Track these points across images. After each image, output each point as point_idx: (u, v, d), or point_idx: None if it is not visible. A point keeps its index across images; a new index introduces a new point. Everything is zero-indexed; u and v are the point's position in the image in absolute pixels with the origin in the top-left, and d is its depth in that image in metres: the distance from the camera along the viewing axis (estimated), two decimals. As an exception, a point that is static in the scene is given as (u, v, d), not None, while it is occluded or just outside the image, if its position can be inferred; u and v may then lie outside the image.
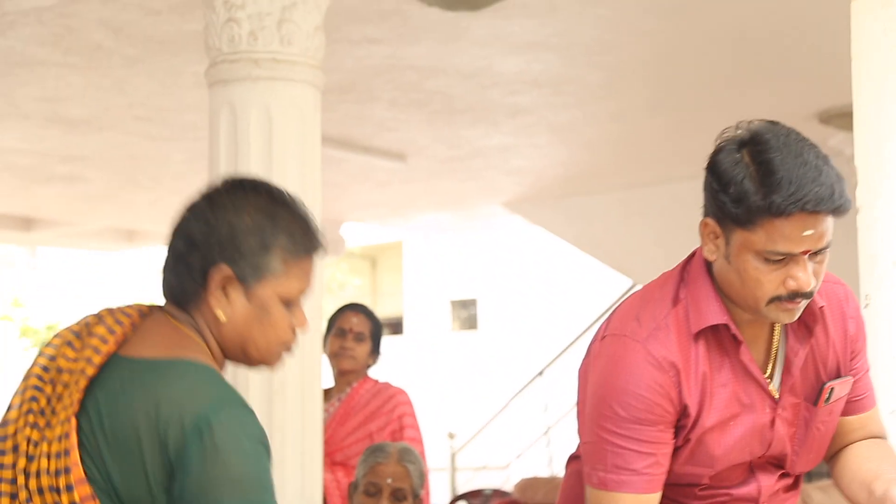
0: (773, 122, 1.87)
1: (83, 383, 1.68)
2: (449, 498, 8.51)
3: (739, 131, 1.86)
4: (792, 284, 1.82)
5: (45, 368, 1.72)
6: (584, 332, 11.08)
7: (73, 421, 1.66)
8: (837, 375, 2.00)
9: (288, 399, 3.72)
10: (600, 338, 1.99)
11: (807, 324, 1.96)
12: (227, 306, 1.75)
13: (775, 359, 1.98)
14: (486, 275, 13.92)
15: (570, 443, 2.02)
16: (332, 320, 4.24)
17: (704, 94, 6.32)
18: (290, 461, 3.70)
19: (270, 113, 3.77)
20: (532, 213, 9.46)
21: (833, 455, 2.09)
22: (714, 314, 1.91)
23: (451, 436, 11.07)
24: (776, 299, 1.84)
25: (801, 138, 1.84)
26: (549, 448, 11.49)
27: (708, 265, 1.94)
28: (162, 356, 1.71)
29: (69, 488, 1.63)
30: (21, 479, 1.66)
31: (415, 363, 14.74)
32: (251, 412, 1.68)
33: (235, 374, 3.71)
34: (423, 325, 14.93)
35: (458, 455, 11.35)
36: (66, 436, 1.65)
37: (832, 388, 1.98)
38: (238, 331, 1.76)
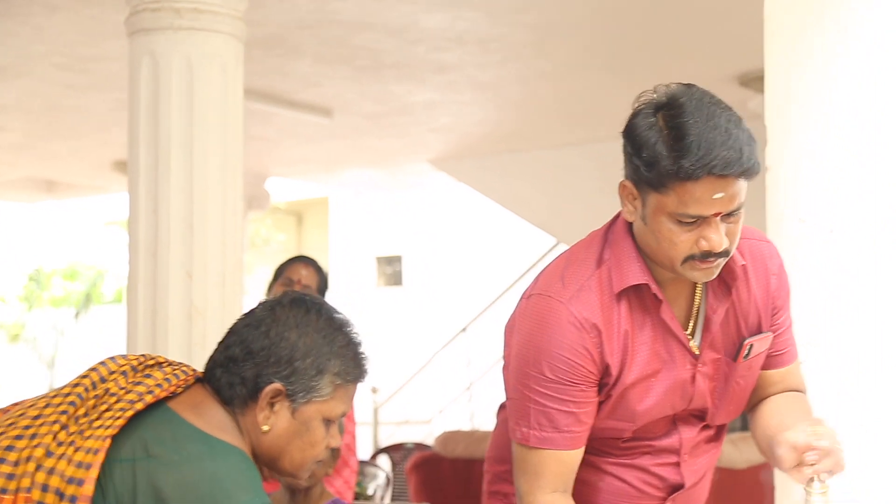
0: (688, 86, 1.88)
1: (130, 413, 1.71)
2: (371, 452, 8.57)
3: (656, 94, 1.88)
4: (704, 245, 1.85)
5: (94, 385, 1.76)
6: (508, 289, 11.17)
7: (108, 442, 1.68)
8: (759, 331, 2.03)
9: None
10: (527, 296, 2.02)
11: (726, 282, 1.99)
12: (272, 418, 1.80)
13: (696, 316, 2.01)
14: (411, 232, 13.94)
15: (493, 398, 2.07)
16: (280, 270, 4.17)
17: (628, 55, 6.38)
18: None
19: (192, 64, 3.75)
20: (458, 170, 9.49)
21: (751, 408, 2.13)
22: (635, 274, 1.94)
23: (375, 390, 11.12)
24: (690, 259, 1.87)
25: (714, 101, 1.85)
26: (472, 403, 11.60)
27: (630, 226, 1.97)
28: (209, 431, 1.74)
29: (73, 500, 1.65)
30: (30, 467, 1.67)
31: (340, 319, 14.67)
32: None
33: (155, 327, 3.71)
34: (349, 281, 14.91)
35: (380, 410, 11.41)
36: (96, 452, 1.67)
37: (751, 345, 2.01)
38: (277, 443, 1.81)
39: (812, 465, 1.84)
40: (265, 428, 1.79)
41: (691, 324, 2.01)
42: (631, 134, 1.87)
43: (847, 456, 1.90)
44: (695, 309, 2.01)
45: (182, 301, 3.72)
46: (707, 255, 1.86)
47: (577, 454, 2.00)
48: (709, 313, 2.00)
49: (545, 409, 1.96)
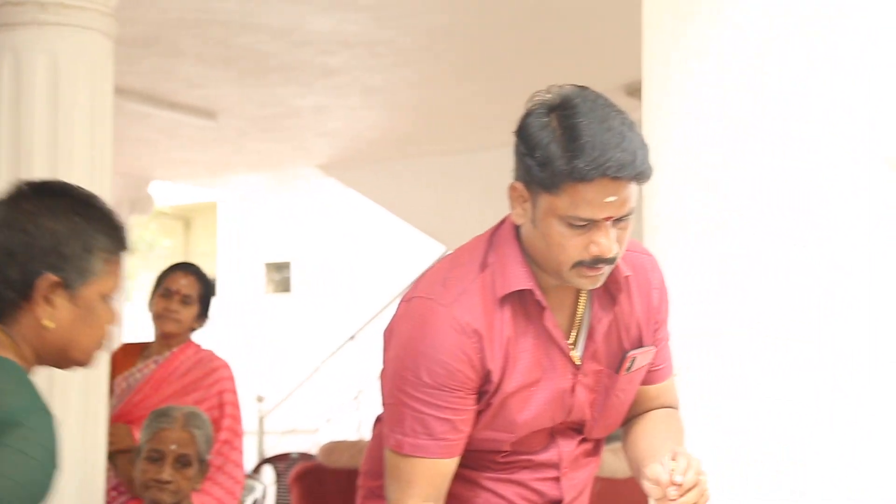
0: (582, 87, 1.87)
1: None
2: (255, 462, 8.40)
3: (549, 95, 1.86)
4: (594, 250, 1.82)
5: None
6: (397, 296, 11.09)
7: None
8: (640, 345, 2.00)
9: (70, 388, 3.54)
10: (407, 299, 1.97)
11: (611, 292, 1.96)
12: (53, 313, 1.75)
13: (580, 326, 1.97)
14: (300, 238, 13.77)
15: (380, 408, 2.00)
16: (160, 280, 3.96)
17: (516, 62, 6.36)
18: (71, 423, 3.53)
19: (58, 61, 3.58)
20: (346, 176, 9.39)
21: (626, 423, 2.10)
22: (519, 279, 1.90)
23: (260, 399, 10.95)
24: (579, 264, 1.84)
25: (608, 104, 1.84)
26: (360, 412, 11.48)
27: (517, 231, 1.93)
28: None
29: None
30: None
31: (228, 325, 14.48)
32: (53, 420, 1.68)
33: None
34: (237, 287, 14.68)
35: (266, 419, 11.22)
36: None
37: (634, 358, 1.99)
38: (64, 335, 1.77)
39: (674, 499, 1.81)
40: (49, 324, 1.74)
41: (574, 333, 1.97)
42: (523, 134, 1.84)
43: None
44: (578, 318, 1.97)
45: (45, 310, 3.53)
46: (596, 261, 1.84)
47: (452, 463, 1.93)
48: (593, 323, 1.97)
49: (421, 416, 1.89)
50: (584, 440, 2.05)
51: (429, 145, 8.59)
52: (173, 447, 3.09)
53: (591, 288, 1.91)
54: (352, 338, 11.43)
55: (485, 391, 1.92)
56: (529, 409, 1.95)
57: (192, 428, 3.14)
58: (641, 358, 2.01)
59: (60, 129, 3.57)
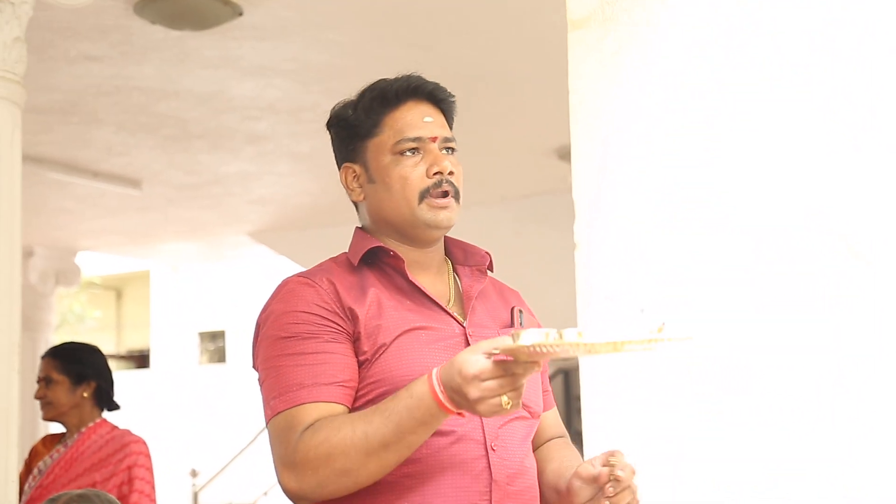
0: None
1: None
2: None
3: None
4: (433, 169, 1.91)
5: None
6: (333, 364, 10.89)
7: None
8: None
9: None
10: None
11: (479, 269, 2.04)
12: None
13: (452, 295, 1.99)
14: (234, 306, 13.54)
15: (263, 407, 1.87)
16: None
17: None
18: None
19: (-40, 130, 3.40)
20: (278, 243, 9.21)
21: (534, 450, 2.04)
22: (368, 242, 1.95)
23: (195, 473, 10.65)
24: (426, 195, 1.91)
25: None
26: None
27: (360, 229, 2.01)
28: None
29: None
30: None
31: (162, 397, 14.15)
32: None
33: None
34: (171, 358, 14.37)
35: (201, 493, 10.91)
36: None
37: (521, 311, 2.02)
38: None
39: (610, 497, 1.79)
40: None
41: (449, 301, 1.96)
42: (333, 117, 2.02)
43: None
44: (450, 290, 2.00)
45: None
46: (440, 184, 1.91)
47: (339, 409, 1.81)
48: (466, 290, 2.00)
49: (297, 368, 1.81)
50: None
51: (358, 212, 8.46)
52: None
53: (445, 223, 1.93)
54: (287, 408, 11.17)
55: (359, 334, 1.85)
56: (424, 353, 1.86)
57: None
58: (529, 323, 2.02)
59: (-39, 202, 3.39)
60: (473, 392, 1.63)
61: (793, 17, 2.43)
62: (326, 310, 1.86)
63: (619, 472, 1.80)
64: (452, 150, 1.97)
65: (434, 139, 1.94)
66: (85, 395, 3.84)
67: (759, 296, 2.42)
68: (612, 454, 1.83)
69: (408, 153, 1.93)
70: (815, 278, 2.36)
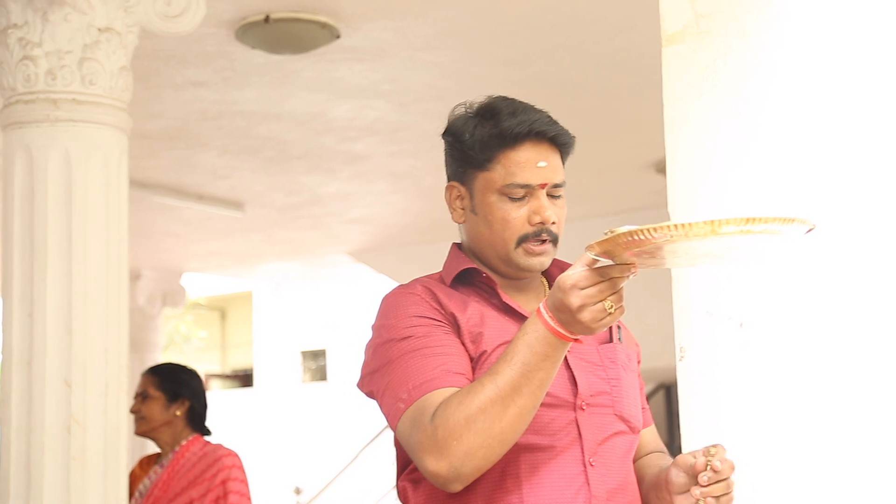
0: (503, 97, 1.99)
1: None
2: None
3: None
4: (535, 219, 1.90)
5: None
6: (434, 382, 10.93)
7: None
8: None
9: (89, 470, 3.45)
10: None
11: None
12: None
13: None
14: (335, 325, 13.69)
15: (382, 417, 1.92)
16: None
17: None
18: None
19: (70, 157, 3.51)
20: (377, 261, 9.31)
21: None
22: (464, 262, 1.96)
23: (298, 491, 10.79)
24: (524, 240, 1.90)
25: (527, 104, 1.98)
26: (399, 501, 11.28)
27: (458, 246, 2.02)
28: None
29: None
30: None
31: (265, 416, 14.36)
32: None
33: (30, 443, 3.43)
34: (274, 376, 14.58)
35: (305, 511, 11.05)
36: None
37: (619, 327, 2.01)
38: None
39: (704, 485, 1.78)
40: None
41: None
42: (450, 130, 1.97)
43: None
44: None
45: (59, 412, 3.43)
46: (540, 232, 1.90)
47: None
48: None
49: (418, 360, 1.83)
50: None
51: (457, 228, 8.51)
52: None
53: (538, 268, 1.94)
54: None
55: (463, 337, 1.87)
56: None
57: None
58: (628, 341, 2.02)
59: (74, 227, 3.50)
60: (574, 300, 1.64)
61: (892, 23, 2.39)
62: (433, 310, 1.89)
63: (716, 463, 1.79)
64: (560, 195, 1.95)
65: (543, 185, 1.91)
66: (178, 413, 3.93)
67: (867, 309, 2.38)
68: (713, 446, 1.82)
69: (514, 199, 1.91)
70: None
